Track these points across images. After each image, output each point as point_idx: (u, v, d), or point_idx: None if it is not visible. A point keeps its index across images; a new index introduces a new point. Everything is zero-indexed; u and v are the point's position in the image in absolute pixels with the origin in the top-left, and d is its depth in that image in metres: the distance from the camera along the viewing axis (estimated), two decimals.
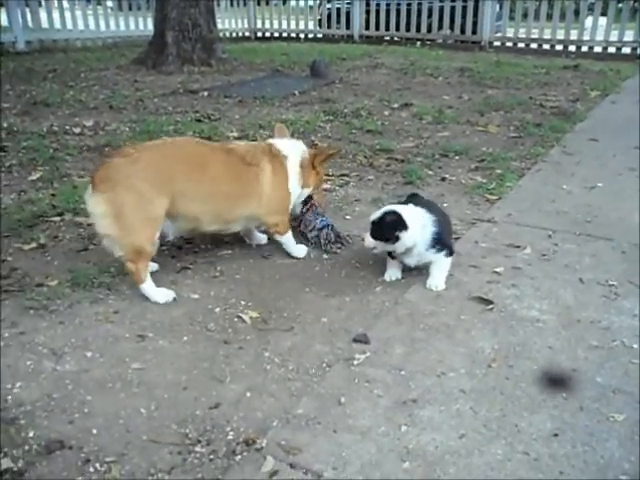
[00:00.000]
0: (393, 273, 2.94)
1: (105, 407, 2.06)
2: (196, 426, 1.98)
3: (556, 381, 1.80)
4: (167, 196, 2.70)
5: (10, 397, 2.09)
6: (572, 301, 2.72)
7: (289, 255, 3.18)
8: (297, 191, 3.13)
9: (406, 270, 2.96)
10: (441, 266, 2.84)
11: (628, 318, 2.57)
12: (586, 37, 12.79)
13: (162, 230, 2.78)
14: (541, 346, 2.38)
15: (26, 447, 1.87)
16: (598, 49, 12.67)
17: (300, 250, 3.20)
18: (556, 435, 1.92)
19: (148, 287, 2.71)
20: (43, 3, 12.16)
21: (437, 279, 2.83)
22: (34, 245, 3.22)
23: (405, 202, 2.92)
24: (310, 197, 3.27)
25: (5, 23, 11.64)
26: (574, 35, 12.88)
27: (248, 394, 2.12)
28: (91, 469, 1.80)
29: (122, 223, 2.61)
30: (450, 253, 2.84)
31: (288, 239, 3.16)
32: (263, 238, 3.31)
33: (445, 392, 2.11)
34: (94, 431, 1.95)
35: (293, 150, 3.11)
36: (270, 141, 3.13)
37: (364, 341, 2.40)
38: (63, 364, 2.28)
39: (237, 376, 2.22)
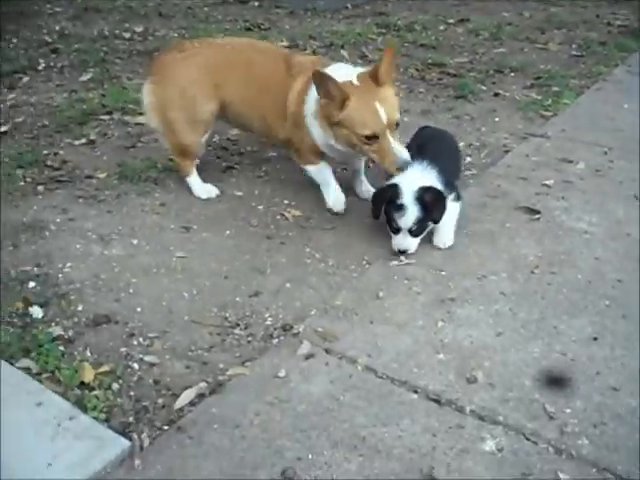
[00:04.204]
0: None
1: (149, 290, 2.12)
2: (236, 311, 2.03)
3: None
4: (216, 102, 2.59)
5: (61, 275, 2.17)
6: (623, 216, 2.63)
7: None
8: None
9: None
10: (449, 215, 2.34)
11: None
12: None
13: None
14: (587, 256, 2.33)
15: (75, 319, 1.96)
16: None
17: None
18: (595, 339, 1.90)
19: (194, 181, 2.73)
20: None
21: (445, 234, 2.38)
22: (84, 141, 3.27)
23: (413, 142, 2.58)
24: None
25: None
26: None
27: (288, 285, 2.16)
28: (135, 342, 1.88)
29: (166, 119, 2.60)
30: (458, 197, 2.43)
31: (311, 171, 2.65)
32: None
33: (485, 293, 2.10)
34: (138, 309, 2.02)
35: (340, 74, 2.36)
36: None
37: None
38: (110, 249, 2.35)
39: (278, 268, 2.25)
